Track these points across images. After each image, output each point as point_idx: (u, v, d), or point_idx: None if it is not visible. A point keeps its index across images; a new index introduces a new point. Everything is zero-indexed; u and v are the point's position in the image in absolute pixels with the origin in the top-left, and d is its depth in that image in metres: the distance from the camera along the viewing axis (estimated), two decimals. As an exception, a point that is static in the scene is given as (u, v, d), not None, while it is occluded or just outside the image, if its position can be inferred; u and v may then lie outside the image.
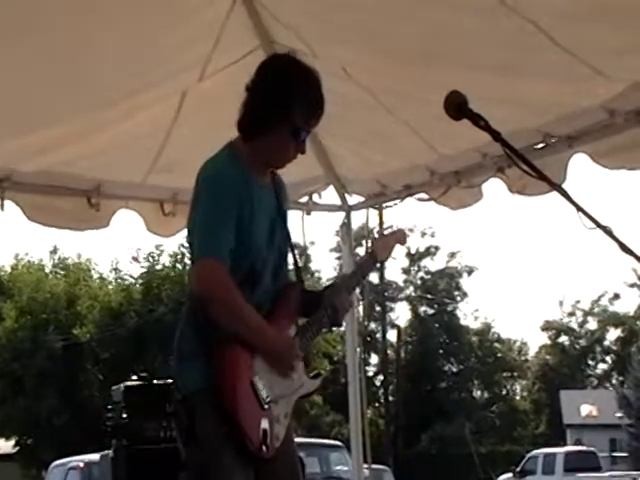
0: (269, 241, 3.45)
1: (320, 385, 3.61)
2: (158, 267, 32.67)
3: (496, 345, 49.48)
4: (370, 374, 44.03)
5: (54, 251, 35.93)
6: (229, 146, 3.46)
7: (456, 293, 48.02)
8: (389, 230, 3.98)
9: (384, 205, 6.31)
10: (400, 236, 3.99)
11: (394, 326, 45.05)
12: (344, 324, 4.52)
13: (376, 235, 3.93)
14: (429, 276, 48.17)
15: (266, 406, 3.31)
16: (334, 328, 5.60)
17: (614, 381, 47.74)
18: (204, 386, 3.26)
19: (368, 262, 3.87)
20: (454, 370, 47.76)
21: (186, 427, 3.32)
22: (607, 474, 27.61)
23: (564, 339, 49.74)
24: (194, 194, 3.39)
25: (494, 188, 5.44)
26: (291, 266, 3.68)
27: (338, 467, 15.89)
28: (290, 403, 3.44)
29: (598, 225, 2.56)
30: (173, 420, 3.46)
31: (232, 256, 3.29)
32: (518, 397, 50.92)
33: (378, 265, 3.93)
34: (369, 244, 3.89)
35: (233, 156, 3.42)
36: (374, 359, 45.99)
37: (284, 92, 3.37)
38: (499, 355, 49.24)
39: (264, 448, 3.28)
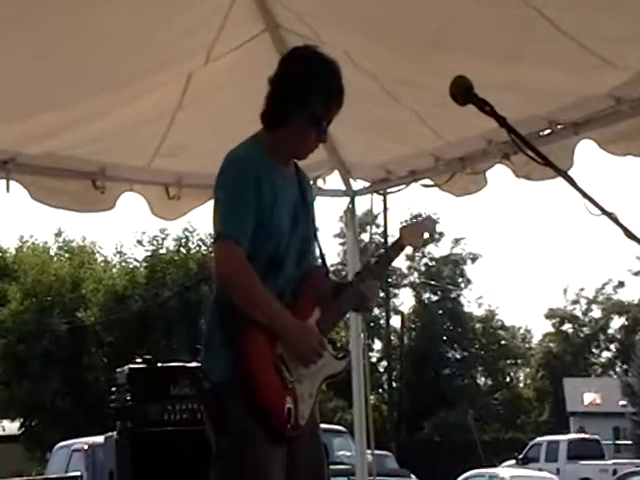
0: (292, 228, 3.47)
1: (346, 366, 3.60)
2: (162, 251, 32.69)
3: (500, 332, 49.44)
4: (373, 360, 44.06)
5: (59, 234, 35.96)
6: (253, 137, 3.52)
7: (460, 280, 47.99)
8: (419, 218, 3.94)
9: (388, 191, 6.31)
10: (430, 225, 3.95)
11: (398, 312, 45.03)
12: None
13: (405, 222, 3.90)
14: (433, 262, 48.10)
15: (290, 385, 3.35)
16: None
17: (618, 369, 47.73)
18: (231, 373, 3.30)
19: (395, 249, 3.84)
20: (457, 357, 47.73)
21: (217, 416, 3.36)
22: (610, 462, 27.66)
23: (568, 327, 49.67)
24: (216, 179, 3.44)
25: (499, 175, 5.44)
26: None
27: (341, 452, 15.95)
28: (315, 383, 3.46)
29: (604, 212, 2.55)
30: (203, 410, 3.50)
31: (254, 239, 3.33)
32: (521, 385, 50.91)
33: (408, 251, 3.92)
34: (398, 230, 3.86)
35: (256, 145, 3.48)
36: (377, 345, 46.07)
37: (303, 82, 3.43)
38: (503, 342, 49.19)
39: (289, 426, 3.32)
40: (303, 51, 3.60)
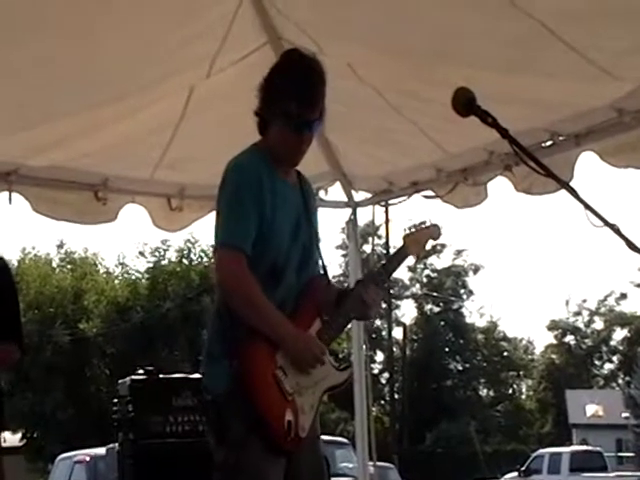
0: (293, 237, 3.46)
1: (349, 377, 3.57)
2: (164, 262, 32.72)
3: (502, 344, 49.38)
4: (375, 372, 43.99)
5: (61, 245, 36.01)
6: (254, 145, 3.53)
7: (462, 291, 47.96)
8: (423, 225, 3.84)
9: (390, 202, 6.31)
10: (433, 231, 3.84)
11: (400, 324, 45.04)
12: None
13: (408, 229, 3.83)
14: (435, 274, 48.09)
15: (290, 397, 3.33)
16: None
17: (620, 381, 47.62)
18: (231, 385, 3.29)
19: (399, 256, 3.77)
20: (460, 368, 47.68)
21: (217, 428, 3.36)
22: (613, 474, 27.56)
23: (570, 338, 49.60)
24: (219, 187, 3.43)
25: (501, 186, 5.44)
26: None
27: (343, 464, 15.88)
28: (316, 395, 3.44)
29: (606, 223, 2.55)
30: (205, 422, 3.50)
31: (254, 248, 3.32)
32: (524, 396, 50.81)
33: (414, 260, 3.86)
34: (401, 238, 3.80)
35: (257, 152, 3.48)
36: (380, 357, 46.01)
37: (273, 84, 3.45)
38: (505, 354, 49.15)
39: (289, 439, 3.31)
40: (282, 56, 3.64)
